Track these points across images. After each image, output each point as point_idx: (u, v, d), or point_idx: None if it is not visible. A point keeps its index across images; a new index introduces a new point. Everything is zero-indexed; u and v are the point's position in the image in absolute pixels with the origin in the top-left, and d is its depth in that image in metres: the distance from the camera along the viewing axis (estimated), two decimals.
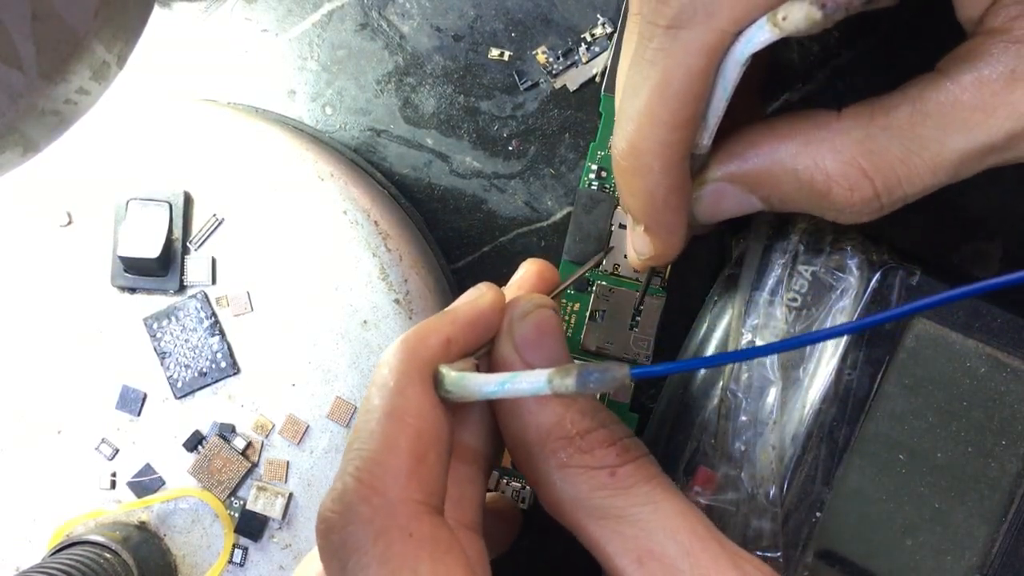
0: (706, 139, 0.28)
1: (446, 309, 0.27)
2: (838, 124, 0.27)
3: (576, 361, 0.37)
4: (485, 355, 0.28)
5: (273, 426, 0.35)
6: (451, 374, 0.25)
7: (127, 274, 0.35)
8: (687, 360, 0.35)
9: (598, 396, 0.35)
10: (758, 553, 0.31)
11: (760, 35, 0.25)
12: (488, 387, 0.24)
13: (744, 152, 0.29)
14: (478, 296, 0.28)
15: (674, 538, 0.25)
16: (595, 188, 0.37)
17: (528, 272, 0.31)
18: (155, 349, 0.35)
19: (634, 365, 0.33)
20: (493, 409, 0.28)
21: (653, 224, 0.30)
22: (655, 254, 0.31)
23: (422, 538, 0.22)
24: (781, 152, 0.28)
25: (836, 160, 0.27)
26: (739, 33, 0.25)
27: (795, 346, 0.30)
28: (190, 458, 0.35)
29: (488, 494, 0.32)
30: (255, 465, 0.35)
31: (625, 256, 0.36)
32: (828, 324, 0.32)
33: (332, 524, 0.23)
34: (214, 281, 0.35)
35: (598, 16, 0.37)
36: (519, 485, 0.37)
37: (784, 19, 0.24)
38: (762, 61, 0.26)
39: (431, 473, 0.24)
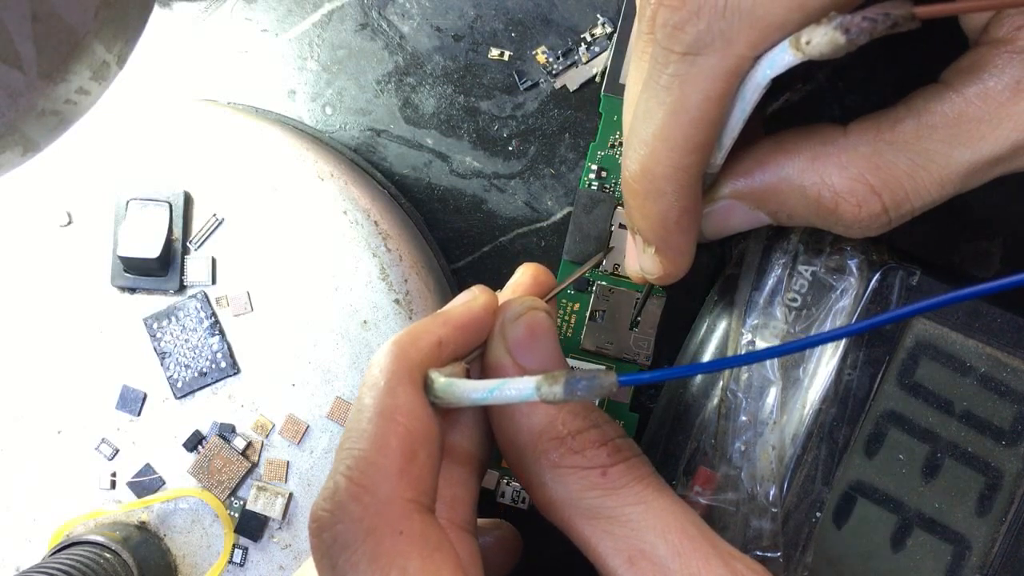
0: (719, 159, 0.28)
1: (438, 311, 0.28)
2: (844, 140, 0.27)
3: (571, 363, 0.37)
4: (478, 358, 0.28)
5: (273, 426, 0.35)
6: (440, 379, 0.25)
7: (127, 274, 0.35)
8: (676, 367, 0.35)
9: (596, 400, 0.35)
10: (757, 553, 0.31)
11: (782, 59, 0.24)
12: (476, 394, 0.25)
13: (752, 170, 0.29)
14: (471, 299, 0.28)
15: (664, 538, 0.25)
16: (595, 188, 0.37)
17: (524, 276, 0.31)
18: (155, 349, 0.35)
19: (623, 372, 0.33)
20: (485, 410, 0.28)
21: (663, 246, 0.30)
22: (663, 274, 0.31)
23: (412, 536, 0.22)
24: (788, 169, 0.28)
25: (843, 176, 0.27)
26: (758, 57, 0.25)
27: (788, 352, 0.30)
28: (190, 458, 0.35)
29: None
30: (255, 465, 0.35)
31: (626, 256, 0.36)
32: (828, 324, 0.32)
33: (323, 522, 0.23)
34: (214, 281, 0.35)
35: (598, 16, 0.37)
36: (519, 486, 0.37)
37: (807, 43, 0.24)
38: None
39: (421, 472, 0.24)
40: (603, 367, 0.37)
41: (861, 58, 0.37)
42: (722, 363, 0.31)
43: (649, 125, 0.27)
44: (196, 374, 0.35)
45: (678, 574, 0.24)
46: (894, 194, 0.27)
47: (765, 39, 0.24)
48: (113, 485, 0.35)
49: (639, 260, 0.31)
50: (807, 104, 0.37)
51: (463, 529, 0.26)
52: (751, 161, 0.29)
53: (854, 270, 0.32)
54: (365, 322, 0.35)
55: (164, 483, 0.35)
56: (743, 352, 0.32)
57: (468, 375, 0.27)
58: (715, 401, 0.32)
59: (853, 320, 0.32)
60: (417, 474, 0.24)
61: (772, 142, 0.29)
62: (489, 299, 0.28)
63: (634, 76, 0.29)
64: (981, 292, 0.22)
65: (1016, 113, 0.25)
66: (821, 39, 0.23)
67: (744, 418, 0.32)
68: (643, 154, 0.27)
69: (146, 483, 0.35)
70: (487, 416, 0.28)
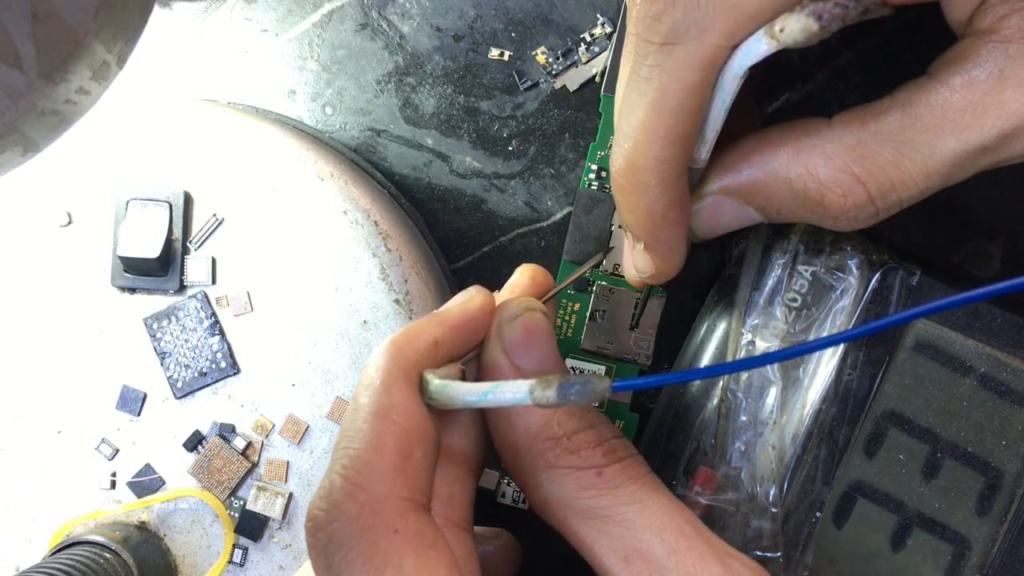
0: (704, 153, 0.28)
1: (435, 312, 0.28)
2: (829, 131, 0.27)
3: (571, 363, 0.37)
4: (474, 358, 0.28)
5: (273, 426, 0.35)
6: (435, 381, 0.25)
7: (127, 274, 0.35)
8: (670, 373, 0.35)
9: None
10: (757, 553, 0.31)
11: (757, 48, 0.25)
12: (471, 396, 0.25)
13: (738, 164, 0.29)
14: (467, 299, 0.28)
15: (660, 537, 0.25)
16: (595, 188, 0.37)
17: (522, 276, 0.31)
18: (155, 349, 0.35)
19: (618, 377, 0.33)
20: (482, 410, 0.28)
21: (652, 241, 0.30)
22: (654, 272, 0.31)
23: (407, 534, 0.23)
24: (774, 162, 0.28)
25: (828, 166, 0.27)
26: (734, 47, 0.25)
27: (783, 358, 0.30)
28: (190, 458, 0.35)
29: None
30: (255, 465, 0.35)
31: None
32: (828, 324, 0.32)
33: (319, 521, 0.23)
34: (214, 281, 0.35)
35: (598, 16, 0.37)
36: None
37: (781, 31, 0.24)
38: (757, 69, 0.26)
39: (417, 471, 0.24)
40: (602, 368, 0.37)
41: (861, 59, 0.37)
42: (716, 369, 0.31)
43: (632, 118, 0.27)
44: (196, 374, 0.35)
45: (674, 573, 0.24)
46: (880, 184, 0.27)
47: (740, 28, 0.25)
48: (113, 485, 0.35)
49: (632, 258, 0.31)
50: (807, 104, 0.37)
51: (459, 528, 0.26)
52: (737, 156, 0.29)
53: (854, 270, 0.32)
54: (365, 322, 0.35)
55: (164, 483, 0.35)
56: (743, 352, 0.32)
57: (464, 376, 0.27)
58: (715, 401, 0.32)
59: (853, 320, 0.32)
60: (413, 473, 0.24)
61: (758, 136, 0.29)
62: (486, 300, 0.28)
63: (622, 76, 0.30)
64: (984, 295, 0.22)
65: (1001, 102, 0.25)
66: (794, 26, 0.23)
67: (744, 418, 0.32)
68: (627, 148, 0.27)
69: (146, 483, 0.35)
70: (484, 416, 0.28)
